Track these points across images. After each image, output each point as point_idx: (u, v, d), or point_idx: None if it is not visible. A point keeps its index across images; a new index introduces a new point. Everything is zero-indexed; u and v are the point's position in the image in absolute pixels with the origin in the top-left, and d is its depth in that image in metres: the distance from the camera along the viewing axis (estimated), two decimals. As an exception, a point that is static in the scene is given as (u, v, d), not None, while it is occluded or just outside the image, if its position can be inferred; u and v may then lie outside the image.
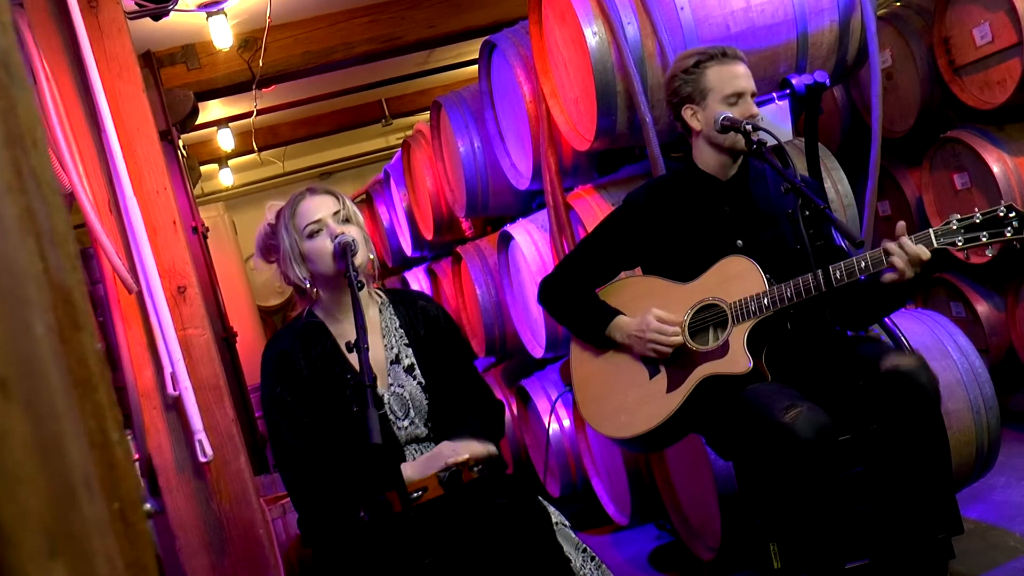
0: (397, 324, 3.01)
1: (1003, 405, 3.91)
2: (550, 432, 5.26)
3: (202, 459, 3.69)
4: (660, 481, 4.32)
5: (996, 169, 4.87)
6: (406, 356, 2.97)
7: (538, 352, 5.24)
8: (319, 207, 2.89)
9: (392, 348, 2.96)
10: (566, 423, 5.26)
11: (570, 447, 5.29)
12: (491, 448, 2.74)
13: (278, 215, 2.95)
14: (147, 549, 0.75)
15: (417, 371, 2.95)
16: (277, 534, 4.48)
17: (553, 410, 5.21)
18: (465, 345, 3.11)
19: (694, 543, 4.17)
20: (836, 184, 4.30)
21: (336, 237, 2.81)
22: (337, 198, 2.94)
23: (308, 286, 2.91)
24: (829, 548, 2.91)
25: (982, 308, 5.25)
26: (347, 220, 2.90)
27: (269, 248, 3.00)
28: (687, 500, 4.21)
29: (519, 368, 6.25)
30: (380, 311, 3.03)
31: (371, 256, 2.92)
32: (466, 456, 2.70)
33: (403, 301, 3.08)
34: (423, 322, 3.04)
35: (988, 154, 4.91)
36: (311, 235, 2.86)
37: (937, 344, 3.85)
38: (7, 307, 0.56)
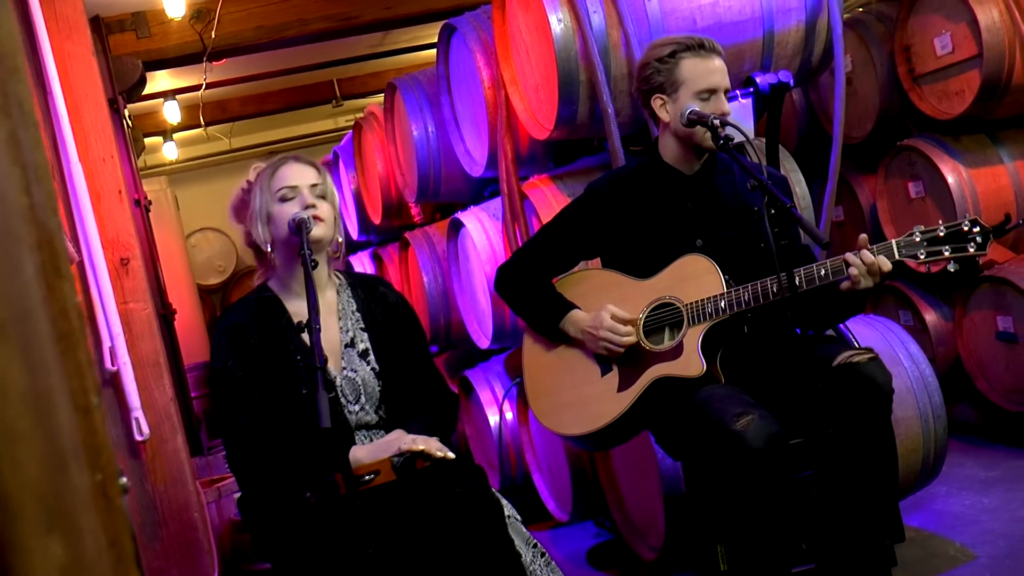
0: (354, 307, 2.95)
1: (947, 415, 3.92)
2: (492, 425, 5.19)
3: (138, 438, 3.59)
4: (604, 478, 4.27)
5: (951, 179, 4.89)
6: (361, 340, 2.90)
7: (484, 343, 5.17)
8: (299, 175, 2.86)
9: (347, 331, 2.90)
10: (508, 416, 5.20)
11: (511, 440, 5.23)
12: (449, 454, 2.67)
13: (259, 175, 2.91)
14: (125, 527, 0.67)
15: (371, 356, 2.89)
16: (211, 518, 4.37)
17: (501, 407, 5.15)
18: (422, 334, 3.06)
19: (636, 542, 4.13)
20: (794, 186, 4.28)
21: (307, 207, 2.78)
22: (319, 172, 2.91)
23: (268, 250, 2.86)
24: (777, 552, 2.87)
25: (930, 317, 5.27)
26: (323, 196, 2.87)
27: (241, 205, 2.96)
28: (631, 498, 4.17)
29: (463, 358, 6.18)
30: (338, 293, 2.97)
31: (339, 238, 2.91)
32: (422, 448, 2.63)
33: (362, 285, 3.03)
34: (381, 307, 2.99)
35: (943, 164, 4.93)
36: (283, 199, 2.83)
37: (889, 351, 3.85)
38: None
